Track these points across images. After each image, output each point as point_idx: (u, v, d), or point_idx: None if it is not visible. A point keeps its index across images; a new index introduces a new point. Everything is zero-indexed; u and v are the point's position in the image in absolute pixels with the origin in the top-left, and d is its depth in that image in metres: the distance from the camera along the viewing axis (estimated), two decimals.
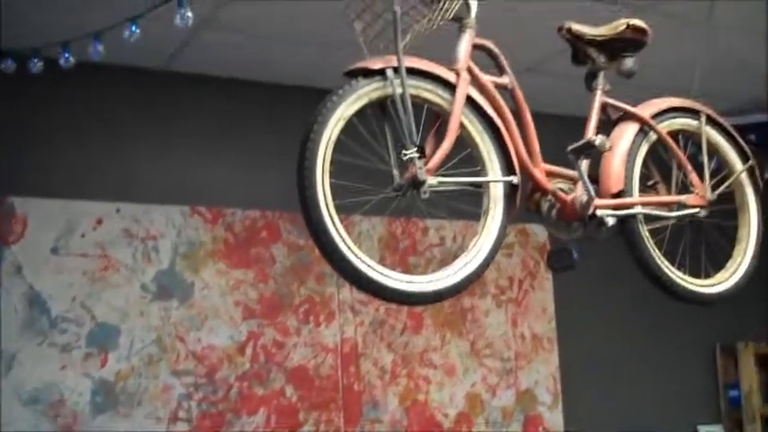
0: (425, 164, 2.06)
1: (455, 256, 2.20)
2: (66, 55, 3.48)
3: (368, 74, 2.07)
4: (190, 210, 4.39)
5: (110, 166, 4.29)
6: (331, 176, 2.02)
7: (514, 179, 2.21)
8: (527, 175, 2.28)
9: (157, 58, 4.32)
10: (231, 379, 4.32)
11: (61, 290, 4.06)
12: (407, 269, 4.72)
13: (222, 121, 4.57)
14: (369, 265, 2.03)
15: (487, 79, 2.26)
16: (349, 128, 2.06)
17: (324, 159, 2.00)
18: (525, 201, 2.35)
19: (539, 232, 5.09)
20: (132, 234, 4.24)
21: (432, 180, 2.06)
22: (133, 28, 3.22)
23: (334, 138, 2.02)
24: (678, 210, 2.51)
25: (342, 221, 1.99)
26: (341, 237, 1.99)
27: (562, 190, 2.35)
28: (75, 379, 4.02)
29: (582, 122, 2.46)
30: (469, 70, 2.20)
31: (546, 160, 2.35)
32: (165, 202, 4.34)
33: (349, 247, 2.00)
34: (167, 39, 3.63)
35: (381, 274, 2.04)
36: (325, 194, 1.99)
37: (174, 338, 4.24)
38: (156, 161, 4.41)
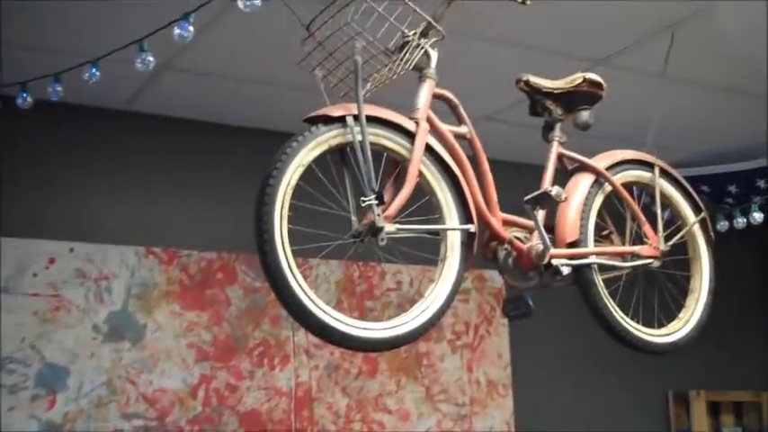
0: (384, 211, 2.07)
1: (412, 301, 2.20)
2: (24, 95, 3.45)
3: (328, 121, 2.08)
4: (145, 250, 4.35)
5: (65, 205, 4.24)
6: (289, 222, 2.02)
7: (472, 227, 2.24)
8: (484, 223, 2.31)
9: (117, 98, 4.30)
10: (182, 422, 4.25)
11: (10, 330, 3.98)
12: (364, 313, 4.71)
13: (180, 161, 4.55)
14: (325, 311, 2.02)
15: (446, 128, 2.29)
16: (308, 173, 2.06)
17: (282, 205, 2.00)
18: (482, 249, 2.37)
19: (495, 278, 5.12)
20: (85, 274, 4.19)
21: (390, 227, 2.07)
22: (93, 70, 3.21)
23: (293, 183, 2.03)
24: (632, 260, 2.54)
25: (299, 265, 1.99)
26: (297, 282, 1.99)
27: (518, 239, 2.38)
28: (21, 421, 3.93)
29: (540, 170, 2.49)
30: (429, 119, 2.23)
31: (505, 207, 2.38)
32: (119, 243, 4.30)
33: (305, 293, 2.00)
34: (127, 79, 3.62)
35: (337, 320, 2.04)
36: (282, 240, 1.99)
37: (125, 381, 4.17)
38: (112, 201, 4.37)
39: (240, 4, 2.80)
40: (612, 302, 2.47)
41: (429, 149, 2.21)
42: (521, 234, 2.40)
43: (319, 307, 2.01)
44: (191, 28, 2.94)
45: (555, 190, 2.26)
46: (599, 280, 2.45)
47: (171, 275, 4.38)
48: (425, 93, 2.25)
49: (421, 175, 2.19)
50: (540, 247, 2.33)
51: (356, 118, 2.08)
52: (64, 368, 4.06)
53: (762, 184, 4.96)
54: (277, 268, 1.97)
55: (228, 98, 4.41)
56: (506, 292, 4.85)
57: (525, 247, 2.36)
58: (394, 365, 4.81)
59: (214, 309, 4.44)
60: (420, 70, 2.27)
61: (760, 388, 5.82)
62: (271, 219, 1.98)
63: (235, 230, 4.13)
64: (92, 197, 4.32)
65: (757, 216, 4.56)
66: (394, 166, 2.21)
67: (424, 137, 2.19)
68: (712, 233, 2.78)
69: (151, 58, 3.09)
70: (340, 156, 2.13)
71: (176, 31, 2.96)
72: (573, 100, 2.54)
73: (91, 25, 3.52)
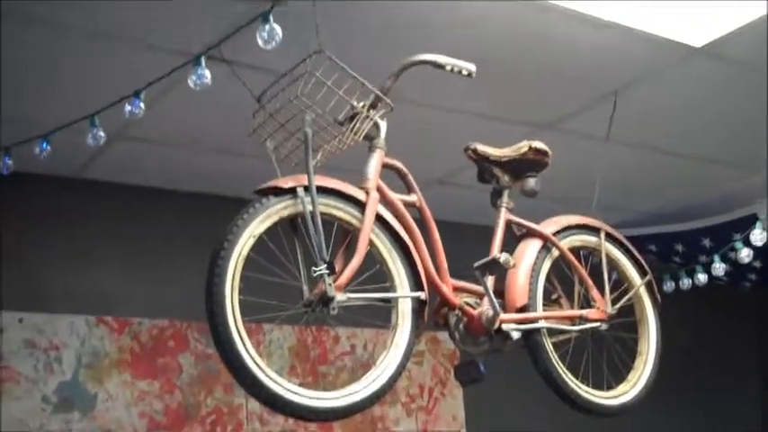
0: (335, 280, 2.10)
1: (366, 365, 2.22)
2: None
3: (279, 192, 2.11)
4: (95, 319, 4.29)
5: (13, 274, 4.18)
6: (241, 291, 2.03)
7: (422, 295, 2.26)
8: (435, 290, 2.34)
9: (69, 166, 4.28)
10: None
11: None
12: (318, 378, 4.68)
13: (131, 228, 4.52)
14: (276, 382, 2.03)
15: (396, 197, 2.33)
16: (259, 244, 2.08)
17: (233, 276, 2.02)
18: (433, 315, 2.40)
19: (449, 340, 5.10)
20: (35, 344, 4.12)
21: (341, 296, 2.10)
22: (44, 145, 3.20)
23: (244, 254, 2.04)
24: (580, 323, 2.59)
25: (252, 332, 2.00)
26: (248, 353, 2.00)
27: (469, 304, 2.41)
28: None
29: (491, 231, 2.54)
30: (379, 189, 2.27)
31: (458, 267, 2.41)
32: (69, 312, 4.24)
33: (257, 364, 2.01)
34: (79, 148, 3.61)
35: (288, 390, 2.04)
36: (233, 311, 2.00)
37: None
38: (63, 269, 4.32)
39: (190, 83, 2.84)
40: (562, 365, 2.50)
41: (379, 219, 2.25)
42: (471, 300, 2.44)
43: (270, 377, 2.02)
44: (141, 104, 2.97)
45: (503, 257, 2.30)
46: (548, 344, 2.49)
47: (122, 344, 4.32)
48: (375, 163, 2.30)
49: (371, 244, 2.22)
50: (491, 312, 2.37)
51: (306, 189, 2.11)
52: None
53: (707, 242, 5.07)
54: (227, 339, 1.98)
55: (181, 166, 4.41)
56: (459, 357, 4.86)
57: (476, 312, 2.39)
58: (349, 430, 4.77)
59: (166, 377, 4.38)
60: (370, 140, 2.32)
61: None
62: (222, 290, 2.00)
63: (187, 298, 4.07)
64: (41, 266, 4.26)
65: (702, 277, 4.65)
66: (345, 236, 2.24)
67: (374, 207, 2.22)
68: (658, 295, 2.84)
69: (102, 134, 3.11)
70: (291, 226, 2.16)
71: (127, 107, 2.99)
72: (519, 167, 2.60)
73: (42, 94, 3.52)
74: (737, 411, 6.10)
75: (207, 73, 2.89)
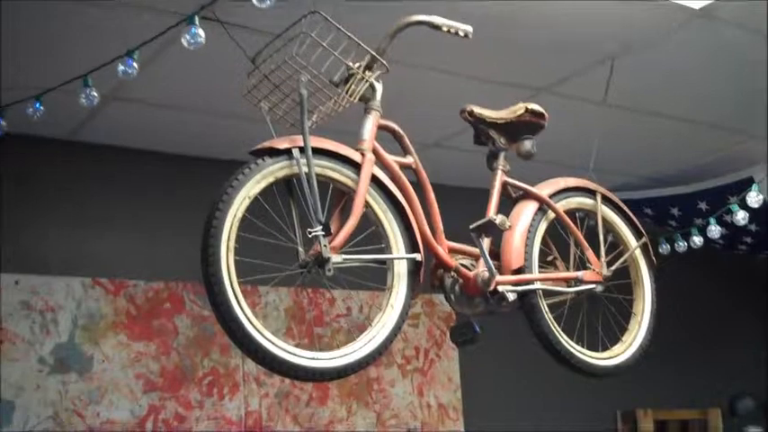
0: (330, 241, 2.09)
1: (362, 327, 2.22)
2: None
3: (274, 153, 2.10)
4: (91, 281, 4.30)
5: (9, 237, 4.18)
6: (237, 252, 2.03)
7: (418, 256, 2.26)
8: (431, 252, 2.34)
9: (61, 128, 4.27)
10: None
11: None
12: (314, 340, 4.70)
13: (126, 191, 4.52)
14: (272, 342, 2.03)
15: (392, 159, 2.32)
16: (255, 204, 2.08)
17: (228, 237, 2.01)
18: (429, 277, 2.40)
19: (445, 302, 5.12)
20: (31, 306, 4.13)
21: (336, 257, 2.09)
22: (37, 105, 3.18)
23: (239, 215, 2.04)
24: (576, 285, 2.59)
25: (248, 294, 2.00)
26: (244, 313, 2.00)
27: (465, 266, 2.41)
28: None
29: (487, 194, 2.53)
30: (374, 150, 2.26)
31: (453, 231, 2.41)
32: (65, 274, 4.24)
33: (253, 324, 2.01)
34: (72, 110, 3.60)
35: (285, 350, 2.05)
36: (229, 271, 2.00)
37: (72, 413, 4.11)
38: (58, 232, 4.32)
39: (184, 42, 2.81)
40: (557, 327, 2.51)
41: (375, 180, 2.24)
42: (467, 261, 2.43)
43: (266, 338, 2.02)
44: (135, 64, 2.94)
45: (499, 218, 2.29)
46: (544, 305, 2.49)
47: (118, 306, 4.33)
48: (371, 124, 2.28)
49: (367, 205, 2.22)
50: (486, 274, 2.37)
51: (302, 150, 2.10)
52: (9, 402, 3.98)
53: (703, 206, 5.07)
54: (224, 300, 1.98)
55: (175, 128, 4.40)
56: (455, 319, 4.89)
57: (471, 274, 2.39)
58: (345, 391, 4.81)
59: (162, 338, 4.40)
60: (365, 102, 2.30)
61: (705, 406, 5.92)
62: (217, 250, 1.99)
63: (182, 259, 4.10)
64: (37, 228, 4.26)
65: (697, 240, 4.66)
66: (340, 197, 2.24)
67: (369, 168, 2.22)
68: (654, 257, 2.84)
69: (95, 94, 3.07)
70: (286, 187, 2.15)
71: (120, 67, 2.96)
72: (516, 130, 2.59)
73: (36, 56, 3.50)
74: (745, 375, 6.16)
75: (201, 32, 2.86)
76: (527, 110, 2.58)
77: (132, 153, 4.56)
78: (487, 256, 2.36)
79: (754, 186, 4.18)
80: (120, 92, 3.90)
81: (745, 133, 4.93)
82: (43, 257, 4.23)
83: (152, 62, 3.54)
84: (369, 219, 2.25)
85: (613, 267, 2.67)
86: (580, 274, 2.60)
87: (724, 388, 6.03)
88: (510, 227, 2.39)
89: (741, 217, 4.22)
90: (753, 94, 4.39)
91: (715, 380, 6.01)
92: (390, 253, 2.25)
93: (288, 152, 2.11)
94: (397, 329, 2.23)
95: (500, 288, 2.39)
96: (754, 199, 4.14)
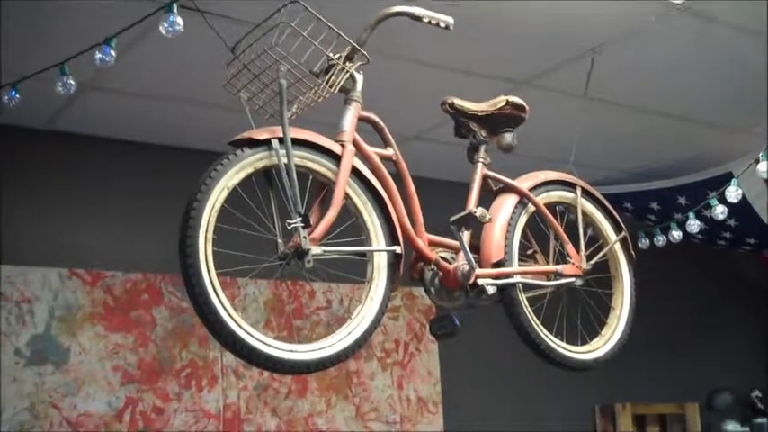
0: (310, 233, 2.08)
1: (342, 320, 2.21)
2: None
3: (253, 144, 2.08)
4: (68, 272, 4.26)
5: None
6: (215, 244, 2.01)
7: (398, 249, 2.25)
8: (410, 244, 2.33)
9: (39, 117, 4.22)
10: None
11: None
12: (293, 332, 4.69)
13: (103, 181, 4.48)
14: (250, 334, 2.01)
15: (372, 151, 2.30)
16: (234, 195, 2.06)
17: (207, 228, 1.99)
18: (409, 269, 2.39)
19: (425, 295, 5.10)
20: (6, 297, 4.09)
21: (316, 249, 2.08)
22: (13, 93, 3.13)
23: (217, 206, 2.02)
24: (555, 279, 2.59)
25: (227, 285, 1.98)
26: (222, 305, 1.98)
27: (444, 259, 2.40)
28: None
29: (467, 188, 2.53)
30: (355, 142, 2.25)
31: (433, 224, 2.40)
32: (42, 264, 4.20)
33: (231, 316, 1.99)
34: (49, 98, 3.55)
35: (263, 342, 2.03)
36: (207, 263, 1.98)
37: (48, 405, 4.08)
38: (34, 222, 4.28)
39: (162, 30, 2.78)
40: (537, 320, 2.51)
41: (355, 172, 2.22)
42: (447, 254, 2.42)
43: (245, 330, 2.01)
44: (112, 52, 2.90)
45: (479, 211, 2.29)
46: (523, 299, 2.49)
47: (95, 297, 4.30)
48: (351, 116, 2.27)
49: (347, 197, 2.20)
50: (466, 267, 2.36)
51: (281, 141, 2.08)
52: None
53: (683, 200, 5.09)
54: (202, 291, 1.96)
55: (153, 118, 4.36)
56: (435, 312, 4.88)
57: (451, 267, 2.38)
58: (324, 384, 4.80)
59: (140, 330, 4.37)
60: (346, 93, 2.28)
61: (684, 400, 5.96)
62: (195, 242, 1.97)
63: (160, 251, 4.08)
64: (12, 218, 4.21)
65: (676, 234, 4.67)
66: (320, 189, 2.22)
67: (349, 159, 2.20)
68: (633, 252, 2.84)
69: (72, 82, 3.04)
70: (266, 179, 2.13)
71: (98, 55, 2.92)
72: (496, 122, 2.58)
73: (12, 43, 3.46)
74: (723, 369, 6.21)
75: (179, 20, 2.83)
76: (508, 102, 2.57)
77: (110, 143, 4.52)
78: (467, 249, 2.35)
79: (734, 181, 4.20)
80: (98, 81, 3.86)
81: (725, 128, 4.95)
82: (19, 248, 4.18)
83: (130, 51, 3.51)
84: (348, 211, 2.24)
85: (593, 261, 2.67)
86: (560, 267, 2.60)
87: (702, 382, 6.07)
88: (490, 220, 2.38)
89: (720, 211, 4.24)
90: (734, 89, 4.41)
91: (693, 374, 6.05)
92: (370, 245, 2.24)
93: (267, 143, 2.09)
94: (376, 322, 2.22)
95: (480, 281, 2.39)
96: (733, 194, 4.15)
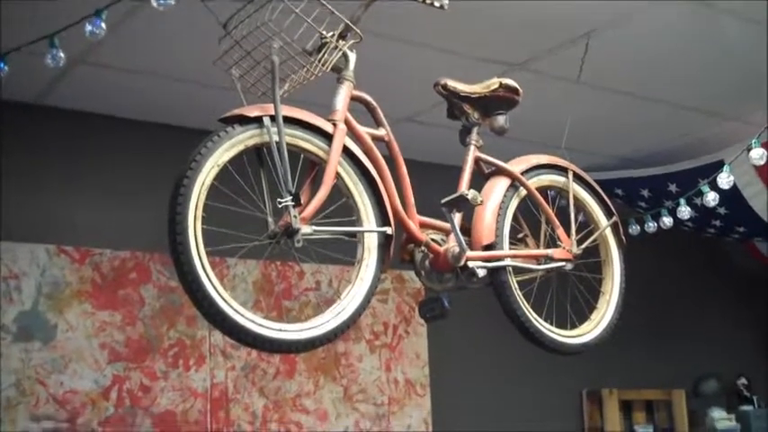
0: (300, 212, 2.06)
1: (331, 301, 2.20)
2: None
3: (244, 121, 2.06)
4: (56, 248, 4.24)
5: None
6: (204, 222, 1.99)
7: (389, 230, 2.24)
8: (401, 225, 2.32)
9: (28, 92, 4.18)
10: (94, 424, 4.16)
11: None
12: (282, 313, 4.68)
13: (92, 157, 4.45)
14: (239, 313, 2.00)
15: (364, 130, 2.29)
16: (224, 173, 2.04)
17: (196, 205, 1.97)
18: (399, 251, 2.38)
19: (414, 278, 5.07)
20: None
21: (306, 228, 2.07)
22: (1, 65, 3.10)
23: (207, 183, 2.00)
24: (546, 263, 2.59)
25: (216, 265, 1.97)
26: (211, 283, 1.97)
27: (435, 241, 2.40)
28: None
29: (458, 171, 2.51)
30: (346, 121, 2.23)
31: (424, 207, 2.39)
32: (29, 240, 4.18)
33: (220, 294, 1.98)
34: (39, 73, 3.52)
35: (252, 321, 2.02)
36: (196, 240, 1.96)
37: (35, 382, 4.06)
38: (22, 197, 4.24)
39: (153, 3, 2.75)
40: (526, 304, 2.51)
41: (346, 151, 2.21)
42: (437, 236, 2.42)
43: (234, 308, 1.99)
44: (103, 25, 2.87)
45: (471, 193, 2.28)
46: (513, 282, 2.48)
47: (83, 274, 4.28)
48: (343, 95, 2.26)
49: (338, 176, 2.19)
50: (457, 249, 2.35)
51: (273, 119, 2.07)
52: None
53: (673, 188, 5.09)
54: (190, 269, 1.95)
55: (143, 94, 4.33)
56: (424, 294, 4.88)
57: (442, 249, 2.38)
58: (312, 365, 4.79)
59: (127, 308, 4.35)
60: (338, 72, 2.27)
61: (670, 386, 5.99)
62: (184, 219, 1.95)
63: (149, 229, 4.04)
64: (0, 194, 4.18)
65: (667, 221, 4.67)
66: (311, 168, 2.21)
67: (341, 139, 2.19)
68: (624, 237, 2.84)
69: (62, 55, 3.00)
70: (256, 156, 2.12)
71: (88, 27, 2.89)
72: (489, 104, 2.57)
73: (1, 16, 3.42)
74: (710, 356, 6.24)
75: None
76: (501, 85, 2.56)
77: (100, 119, 4.49)
78: (458, 231, 2.34)
79: (726, 167, 4.19)
80: (89, 56, 3.83)
81: (718, 116, 4.95)
82: (7, 224, 4.15)
83: (121, 26, 3.47)
84: (339, 190, 2.22)
85: (583, 246, 2.67)
86: (550, 251, 2.60)
87: (689, 369, 6.10)
88: (482, 202, 2.38)
89: (711, 198, 4.23)
90: (728, 76, 4.41)
91: (680, 361, 6.08)
92: (361, 225, 2.23)
93: (258, 120, 2.07)
94: (365, 303, 2.21)
95: (470, 264, 2.38)
96: (725, 180, 4.14)
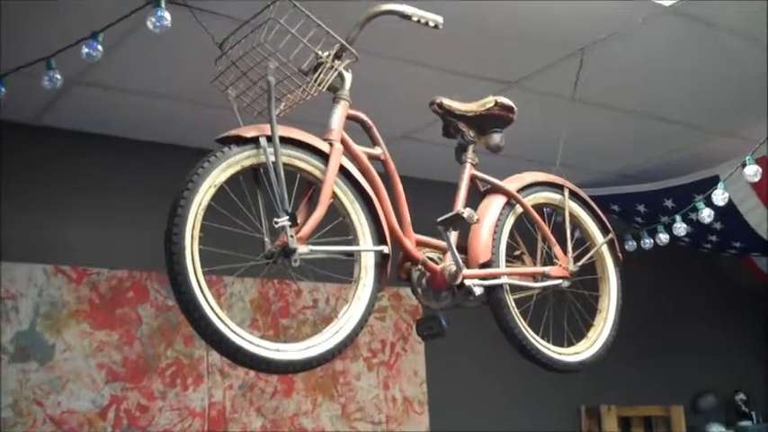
0: (297, 232, 2.07)
1: (328, 319, 2.20)
2: None
3: (241, 141, 2.07)
4: (53, 268, 4.24)
5: None
6: (201, 242, 2.00)
7: (385, 249, 2.24)
8: (398, 244, 2.32)
9: (26, 112, 4.19)
10: None
11: None
12: (279, 332, 4.67)
13: (89, 177, 4.45)
14: (236, 333, 2.00)
15: (360, 150, 2.30)
16: (221, 194, 2.05)
17: (193, 226, 1.98)
18: (396, 269, 2.39)
19: (411, 296, 5.09)
20: None
21: (303, 248, 2.07)
22: (0, 87, 3.11)
23: (204, 204, 2.01)
24: (542, 280, 2.59)
25: (213, 284, 1.97)
26: (208, 303, 1.97)
27: (432, 260, 2.40)
28: None
29: (454, 188, 2.52)
30: (343, 141, 2.24)
31: (421, 224, 2.39)
32: (27, 260, 4.17)
33: (217, 315, 1.98)
34: (36, 93, 3.53)
35: (249, 342, 2.02)
36: (193, 260, 1.96)
37: (32, 402, 4.05)
38: (20, 217, 4.24)
39: (149, 25, 2.76)
40: (523, 322, 2.51)
41: (343, 171, 2.22)
42: (434, 255, 2.42)
43: (231, 328, 1.99)
44: (99, 47, 2.89)
45: (467, 212, 2.28)
46: (510, 300, 2.48)
47: (80, 294, 4.27)
48: (339, 114, 2.26)
49: (335, 196, 2.19)
50: (453, 267, 2.36)
51: (269, 139, 2.07)
52: None
53: (669, 203, 5.10)
54: (187, 289, 1.95)
55: (141, 114, 4.34)
56: (421, 312, 4.88)
57: (438, 267, 2.38)
58: (310, 384, 4.78)
59: (125, 328, 4.35)
60: (334, 91, 2.28)
61: (669, 402, 5.98)
62: (181, 239, 1.96)
63: (147, 248, 4.03)
64: None
65: (663, 237, 4.68)
66: (308, 188, 2.21)
67: (337, 158, 2.19)
68: (620, 254, 2.84)
69: (59, 77, 3.02)
70: (253, 177, 2.12)
71: (84, 49, 2.90)
72: (485, 123, 2.58)
73: None
74: (708, 372, 6.23)
75: (167, 15, 2.81)
76: (496, 103, 2.57)
77: (97, 139, 4.49)
78: (455, 249, 2.35)
79: (721, 184, 4.20)
80: (85, 76, 3.84)
81: (713, 132, 4.97)
82: (4, 243, 4.15)
83: (118, 47, 3.49)
84: (336, 210, 2.23)
85: (580, 263, 2.67)
86: (547, 269, 2.60)
87: (687, 385, 6.09)
88: (478, 220, 2.38)
89: (707, 215, 4.24)
90: (722, 92, 4.43)
91: (678, 377, 6.07)
92: (357, 245, 2.23)
93: (255, 141, 2.08)
94: (363, 322, 2.21)
95: (467, 282, 2.38)
96: (719, 197, 4.16)
